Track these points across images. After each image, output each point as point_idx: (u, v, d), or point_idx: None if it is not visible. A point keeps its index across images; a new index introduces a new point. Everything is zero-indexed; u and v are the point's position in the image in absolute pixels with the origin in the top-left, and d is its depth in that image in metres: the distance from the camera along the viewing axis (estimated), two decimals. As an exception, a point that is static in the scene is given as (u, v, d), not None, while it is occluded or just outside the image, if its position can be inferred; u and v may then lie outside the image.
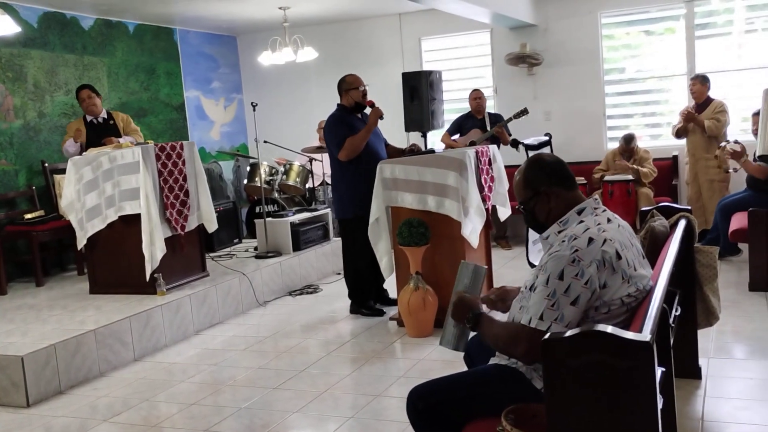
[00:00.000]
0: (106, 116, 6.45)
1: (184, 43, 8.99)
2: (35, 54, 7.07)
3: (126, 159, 5.23)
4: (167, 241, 5.30)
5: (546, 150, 6.49)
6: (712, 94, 6.92)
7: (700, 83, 6.85)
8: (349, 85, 5.36)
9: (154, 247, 5.17)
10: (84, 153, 5.57)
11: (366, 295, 5.54)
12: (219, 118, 9.55)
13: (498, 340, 2.34)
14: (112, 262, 5.45)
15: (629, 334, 1.76)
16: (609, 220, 2.35)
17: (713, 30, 7.76)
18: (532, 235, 6.06)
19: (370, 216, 5.07)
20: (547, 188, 2.41)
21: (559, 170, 2.44)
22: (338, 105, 5.43)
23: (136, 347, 4.83)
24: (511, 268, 6.79)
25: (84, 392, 4.28)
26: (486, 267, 2.63)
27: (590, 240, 2.22)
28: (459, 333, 2.57)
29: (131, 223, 5.23)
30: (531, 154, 6.13)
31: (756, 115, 6.21)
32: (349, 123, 5.30)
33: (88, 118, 6.39)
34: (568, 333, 1.81)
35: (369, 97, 5.39)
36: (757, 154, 5.55)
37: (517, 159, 7.50)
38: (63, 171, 5.75)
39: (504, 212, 5.63)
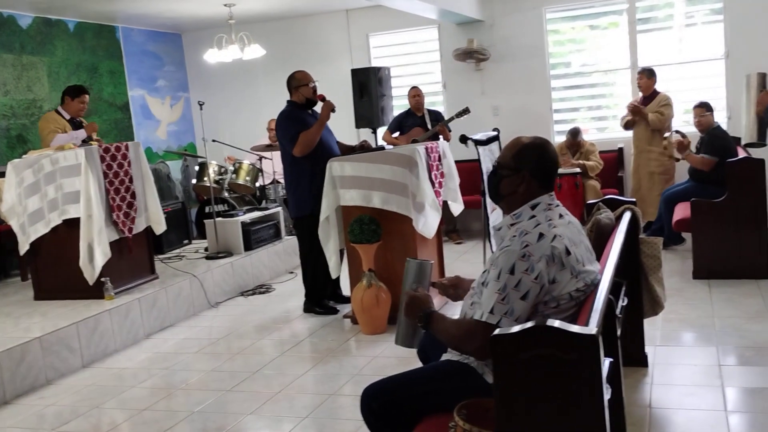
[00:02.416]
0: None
1: (127, 41, 8.80)
2: (-29, 54, 6.85)
3: (69, 161, 5.11)
4: (114, 244, 5.19)
5: (494, 145, 6.54)
6: (657, 87, 7.05)
7: (646, 77, 6.94)
8: (298, 82, 5.30)
9: (97, 251, 5.06)
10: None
11: (323, 293, 5.51)
12: (165, 117, 9.38)
13: (450, 337, 2.35)
14: (57, 267, 5.32)
15: (575, 328, 1.79)
16: (561, 216, 2.38)
17: (655, 24, 7.94)
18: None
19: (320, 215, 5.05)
20: (528, 174, 2.40)
21: (548, 169, 2.43)
22: (288, 102, 5.36)
23: (84, 353, 4.72)
24: (464, 262, 6.85)
25: (31, 401, 4.16)
26: (432, 261, 2.64)
27: (540, 235, 2.25)
28: (412, 331, 2.58)
29: (76, 227, 5.11)
30: (481, 149, 6.15)
31: (697, 107, 6.36)
32: (301, 119, 5.24)
33: (67, 116, 6.16)
34: (516, 328, 1.83)
35: (319, 93, 5.33)
36: (743, 143, 5.70)
37: (465, 154, 7.56)
38: (2, 174, 5.58)
39: (456, 207, 5.64)
